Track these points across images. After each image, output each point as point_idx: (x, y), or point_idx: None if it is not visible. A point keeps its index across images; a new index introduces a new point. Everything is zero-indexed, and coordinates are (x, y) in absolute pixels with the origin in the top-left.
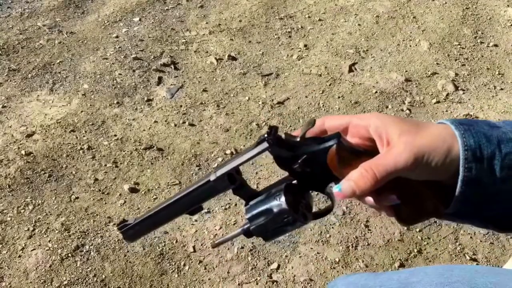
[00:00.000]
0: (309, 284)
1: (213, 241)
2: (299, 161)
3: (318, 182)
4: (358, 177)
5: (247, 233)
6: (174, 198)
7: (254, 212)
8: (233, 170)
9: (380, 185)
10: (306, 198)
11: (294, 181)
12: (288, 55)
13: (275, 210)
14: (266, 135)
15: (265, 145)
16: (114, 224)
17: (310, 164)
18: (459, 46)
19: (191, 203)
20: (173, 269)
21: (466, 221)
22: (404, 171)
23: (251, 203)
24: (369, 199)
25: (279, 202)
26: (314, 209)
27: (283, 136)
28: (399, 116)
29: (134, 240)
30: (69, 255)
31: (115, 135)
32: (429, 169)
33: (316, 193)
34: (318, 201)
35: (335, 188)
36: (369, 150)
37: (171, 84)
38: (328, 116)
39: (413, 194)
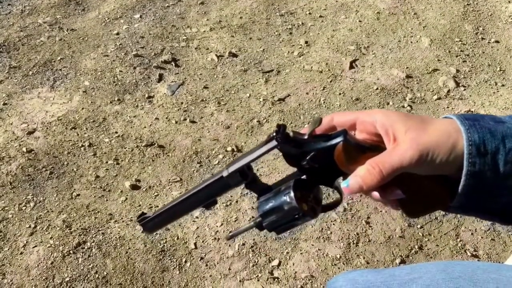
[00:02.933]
0: (310, 281)
1: (227, 233)
2: (307, 158)
3: (326, 177)
4: (365, 173)
5: (260, 226)
6: (189, 193)
7: (266, 208)
8: (244, 167)
9: (386, 181)
10: (315, 192)
11: (303, 177)
12: (289, 51)
13: (285, 207)
14: (274, 134)
15: (274, 143)
16: (115, 221)
17: (318, 160)
18: (460, 42)
19: (206, 197)
20: (175, 265)
21: (472, 214)
22: (410, 168)
23: (262, 199)
24: (375, 194)
25: (289, 200)
26: (323, 202)
27: (291, 134)
28: (404, 112)
29: (152, 231)
30: (71, 252)
31: (116, 132)
32: (434, 165)
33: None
34: (327, 192)
35: (343, 184)
36: (376, 146)
37: (172, 81)
38: (337, 113)
39: (418, 188)
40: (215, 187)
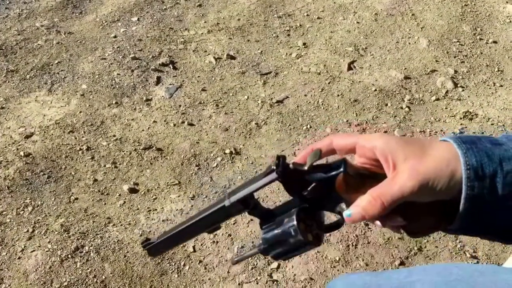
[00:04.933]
0: (309, 283)
1: (232, 258)
2: (308, 189)
3: (327, 204)
4: (367, 204)
5: (265, 253)
6: (192, 220)
7: (270, 241)
8: (246, 197)
9: (388, 211)
10: (317, 217)
11: (305, 205)
12: (287, 53)
13: (290, 240)
14: (274, 167)
15: (274, 175)
16: (114, 225)
17: (319, 190)
18: (458, 43)
19: (208, 225)
20: (173, 269)
21: (471, 235)
22: (410, 197)
23: (265, 229)
24: (377, 222)
25: (294, 233)
26: (326, 221)
27: (291, 165)
28: (404, 137)
29: (156, 255)
30: (69, 256)
31: (114, 136)
32: (434, 193)
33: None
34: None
35: (345, 214)
36: (376, 173)
37: (170, 84)
38: (336, 135)
39: (417, 213)
40: (217, 216)
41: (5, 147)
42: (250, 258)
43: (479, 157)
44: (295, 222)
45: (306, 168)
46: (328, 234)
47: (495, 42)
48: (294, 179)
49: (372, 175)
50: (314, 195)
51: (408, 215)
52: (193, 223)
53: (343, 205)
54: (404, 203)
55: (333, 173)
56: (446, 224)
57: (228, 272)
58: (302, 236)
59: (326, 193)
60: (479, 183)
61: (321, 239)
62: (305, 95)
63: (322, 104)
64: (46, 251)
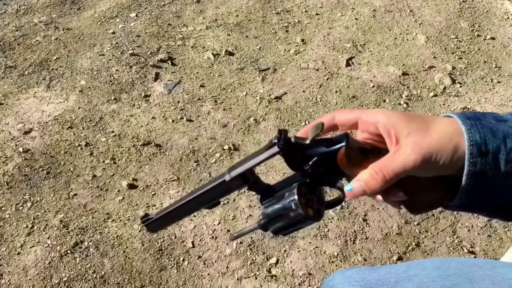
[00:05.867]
0: (308, 278)
1: (231, 235)
2: (309, 163)
3: (328, 179)
4: (368, 178)
5: (264, 228)
6: (192, 196)
7: (271, 215)
8: (246, 171)
9: (389, 185)
10: (318, 192)
11: (306, 179)
12: (285, 49)
13: (291, 214)
14: (276, 140)
15: (275, 149)
16: (113, 221)
17: (321, 165)
18: (456, 39)
19: (208, 200)
20: (172, 264)
21: (472, 211)
22: (413, 171)
23: (266, 204)
24: (378, 196)
25: (294, 207)
26: (326, 197)
27: (292, 139)
28: (406, 112)
29: (155, 231)
30: (68, 251)
31: (113, 132)
32: (436, 168)
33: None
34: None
35: (346, 188)
36: (378, 148)
37: (168, 80)
38: (338, 111)
39: (419, 188)
40: (217, 191)
41: (4, 143)
42: (249, 233)
43: (483, 133)
44: (296, 196)
45: (307, 142)
46: (326, 229)
47: (493, 38)
48: (295, 154)
49: (374, 150)
50: (315, 170)
51: (410, 190)
52: (192, 198)
53: (345, 181)
54: (406, 178)
55: (335, 147)
56: (448, 200)
57: (227, 267)
58: (302, 210)
59: (328, 168)
60: (482, 159)
61: (321, 214)
62: (304, 91)
63: (321, 100)
64: (46, 246)
